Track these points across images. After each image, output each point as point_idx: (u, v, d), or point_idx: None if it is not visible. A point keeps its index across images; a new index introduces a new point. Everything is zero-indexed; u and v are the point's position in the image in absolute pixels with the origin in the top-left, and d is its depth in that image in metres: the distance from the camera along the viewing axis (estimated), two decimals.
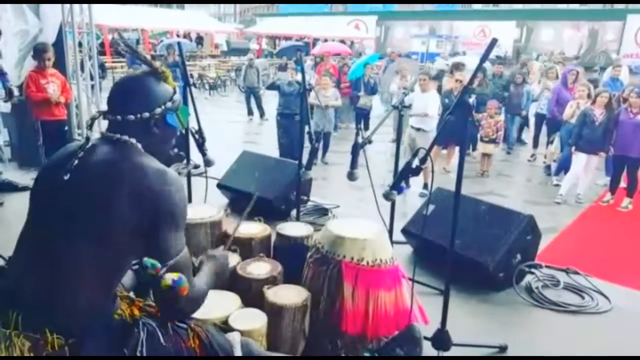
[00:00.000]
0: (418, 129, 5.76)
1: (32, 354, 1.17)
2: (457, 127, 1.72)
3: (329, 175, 7.01)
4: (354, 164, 2.06)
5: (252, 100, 10.76)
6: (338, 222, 2.06)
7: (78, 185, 1.22)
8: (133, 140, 1.30)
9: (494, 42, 1.61)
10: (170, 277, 1.22)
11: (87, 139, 1.29)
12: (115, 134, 1.31)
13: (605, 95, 5.88)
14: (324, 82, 7.04)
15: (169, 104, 1.35)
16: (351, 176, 2.07)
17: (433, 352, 1.95)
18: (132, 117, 1.30)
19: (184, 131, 2.48)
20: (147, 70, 1.37)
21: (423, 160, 1.72)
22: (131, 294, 1.52)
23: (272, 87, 7.26)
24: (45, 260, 1.22)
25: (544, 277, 2.68)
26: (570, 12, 26.51)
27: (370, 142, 2.07)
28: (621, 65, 8.77)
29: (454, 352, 1.98)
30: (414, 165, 1.74)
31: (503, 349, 2.10)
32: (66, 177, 1.22)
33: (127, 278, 2.17)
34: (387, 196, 1.81)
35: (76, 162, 1.24)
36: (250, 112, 10.87)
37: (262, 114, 10.80)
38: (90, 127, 1.36)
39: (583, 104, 6.24)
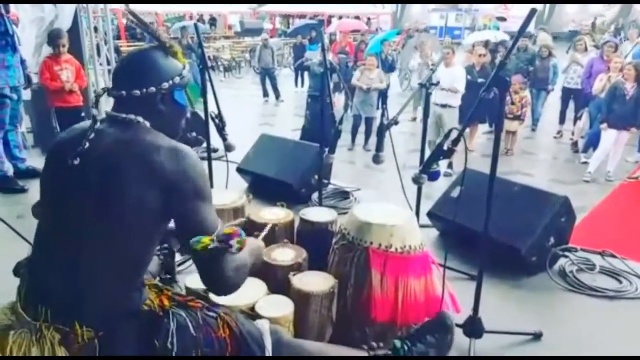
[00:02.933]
0: (444, 106, 5.58)
1: (62, 347, 1.16)
2: (486, 105, 1.61)
3: (350, 157, 6.92)
4: (380, 146, 1.97)
5: (268, 82, 10.65)
6: (364, 207, 1.98)
7: (90, 170, 1.17)
8: (141, 119, 1.23)
9: (533, 12, 1.48)
10: (236, 246, 1.22)
11: (95, 119, 1.21)
12: (121, 114, 1.23)
13: (630, 67, 5.62)
14: (369, 62, 6.74)
15: (177, 80, 1.27)
16: (377, 159, 1.98)
17: (464, 340, 1.89)
18: (137, 92, 1.22)
19: (203, 115, 2.42)
20: (155, 45, 1.28)
21: (456, 142, 1.63)
22: (158, 282, 1.49)
23: (301, 67, 7.02)
24: (68, 252, 1.19)
25: (579, 260, 2.57)
26: None
27: (397, 123, 1.97)
28: None
29: (486, 339, 1.91)
30: (445, 147, 1.65)
31: (538, 336, 2.02)
32: (76, 162, 1.16)
33: (152, 264, 2.16)
34: (416, 180, 1.73)
35: (87, 145, 1.17)
36: (265, 94, 10.78)
37: (277, 96, 10.70)
38: (96, 105, 1.29)
39: (615, 77, 5.97)
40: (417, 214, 2.49)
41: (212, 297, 1.68)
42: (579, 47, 7.51)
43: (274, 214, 2.24)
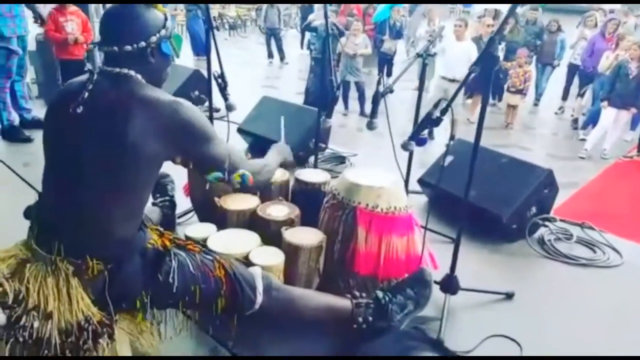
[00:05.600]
0: (452, 80, 5.51)
1: (75, 278, 1.27)
2: (482, 77, 1.69)
3: (347, 123, 6.96)
4: (374, 113, 2.05)
5: (273, 43, 10.51)
6: (355, 170, 2.10)
7: (91, 119, 1.26)
8: (132, 73, 1.31)
9: (514, 7, 1.52)
10: (236, 180, 1.48)
11: (92, 72, 1.31)
12: (115, 68, 1.31)
13: (636, 47, 5.59)
14: (355, 27, 6.68)
15: (163, 32, 1.35)
16: (370, 125, 2.08)
17: (440, 295, 2.05)
18: (129, 47, 1.30)
19: (206, 75, 2.48)
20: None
21: (444, 112, 1.72)
22: (159, 227, 1.62)
23: (308, 27, 6.88)
24: (75, 192, 1.30)
25: (558, 230, 2.71)
26: None
27: (391, 91, 2.05)
28: None
29: (460, 296, 2.07)
30: (434, 116, 1.74)
31: (510, 296, 2.18)
32: (79, 110, 1.25)
33: (155, 215, 2.29)
34: (405, 147, 1.83)
35: (86, 94, 1.26)
36: (270, 55, 10.67)
37: (282, 57, 10.58)
38: (87, 59, 1.41)
39: (622, 55, 5.93)
40: (407, 180, 2.61)
41: (209, 244, 1.84)
42: (588, 22, 7.41)
43: None
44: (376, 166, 2.17)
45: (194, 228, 2.07)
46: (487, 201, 2.55)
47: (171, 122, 1.29)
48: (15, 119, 4.02)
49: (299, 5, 13.03)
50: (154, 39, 1.33)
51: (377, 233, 1.90)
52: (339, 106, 6.91)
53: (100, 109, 1.26)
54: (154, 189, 2.57)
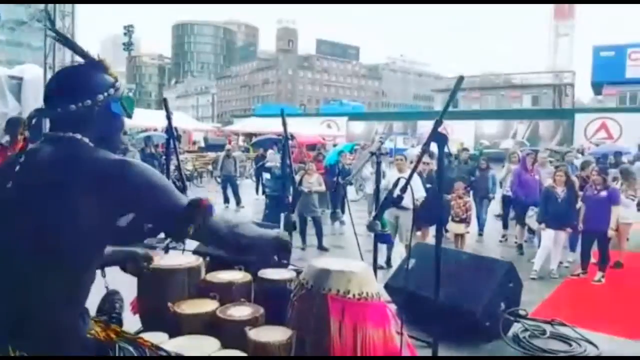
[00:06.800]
0: (400, 207, 5.83)
1: None
2: (430, 206, 1.83)
3: (305, 256, 6.90)
4: (335, 204, 2.10)
5: (229, 189, 10.89)
6: (323, 258, 2.04)
7: (26, 192, 1.13)
8: (78, 136, 1.20)
9: (461, 79, 1.80)
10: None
11: (26, 140, 1.20)
12: (59, 132, 1.21)
13: (561, 174, 6.32)
14: (309, 168, 7.23)
15: (111, 91, 1.26)
16: (334, 216, 2.10)
17: None
18: (73, 106, 1.20)
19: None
20: (86, 62, 1.29)
21: (404, 189, 1.80)
22: (105, 318, 1.41)
23: (263, 168, 7.31)
24: (3, 275, 1.13)
25: (530, 326, 2.64)
26: (523, 112, 29.59)
27: (350, 183, 2.15)
28: (572, 151, 9.61)
29: None
30: (395, 195, 1.81)
31: None
32: (9, 185, 1.13)
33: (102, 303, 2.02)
34: (370, 227, 1.85)
35: (18, 167, 1.14)
36: (226, 200, 10.94)
37: (238, 202, 10.87)
38: (28, 127, 1.22)
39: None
40: (375, 270, 2.54)
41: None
42: (513, 159, 8.47)
43: (232, 275, 2.23)
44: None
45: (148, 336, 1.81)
46: (457, 298, 2.50)
47: (118, 183, 1.15)
48: None
49: (253, 156, 14.02)
50: (100, 97, 1.24)
51: (351, 322, 1.76)
52: (297, 241, 6.94)
53: (37, 177, 1.13)
54: (98, 308, 2.29)
